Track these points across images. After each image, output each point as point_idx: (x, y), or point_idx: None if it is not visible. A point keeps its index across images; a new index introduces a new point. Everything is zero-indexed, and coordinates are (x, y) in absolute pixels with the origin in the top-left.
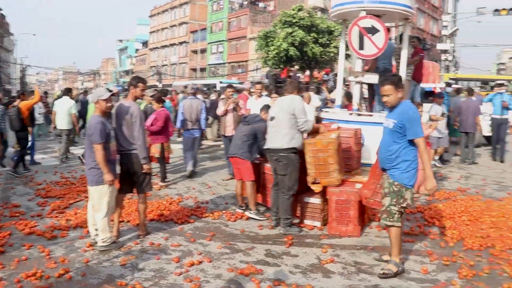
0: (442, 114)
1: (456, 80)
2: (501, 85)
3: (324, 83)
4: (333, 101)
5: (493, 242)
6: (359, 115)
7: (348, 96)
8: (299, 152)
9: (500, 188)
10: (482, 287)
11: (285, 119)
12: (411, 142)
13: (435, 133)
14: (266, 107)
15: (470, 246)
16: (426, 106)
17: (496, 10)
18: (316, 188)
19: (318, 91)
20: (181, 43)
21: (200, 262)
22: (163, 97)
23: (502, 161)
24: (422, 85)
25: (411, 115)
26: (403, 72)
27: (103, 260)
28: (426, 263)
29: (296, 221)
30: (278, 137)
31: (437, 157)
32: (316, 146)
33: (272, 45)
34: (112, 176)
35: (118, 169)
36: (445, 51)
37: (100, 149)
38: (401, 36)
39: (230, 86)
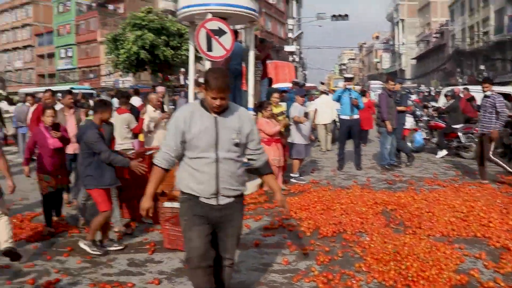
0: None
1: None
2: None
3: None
4: None
5: (344, 227)
6: None
7: None
8: None
9: (347, 178)
10: (337, 270)
11: None
12: None
13: (302, 140)
14: None
15: (325, 233)
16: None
17: (334, 16)
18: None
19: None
20: (25, 47)
21: (58, 280)
22: None
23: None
24: (277, 85)
25: None
26: (251, 73)
27: None
28: (286, 254)
29: None
30: None
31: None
32: None
33: (122, 49)
34: None
35: None
36: (292, 53)
37: None
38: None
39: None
